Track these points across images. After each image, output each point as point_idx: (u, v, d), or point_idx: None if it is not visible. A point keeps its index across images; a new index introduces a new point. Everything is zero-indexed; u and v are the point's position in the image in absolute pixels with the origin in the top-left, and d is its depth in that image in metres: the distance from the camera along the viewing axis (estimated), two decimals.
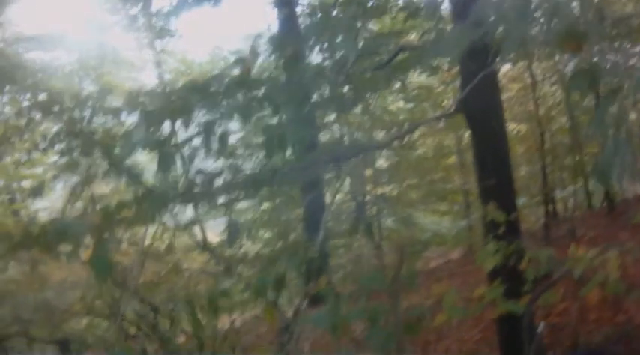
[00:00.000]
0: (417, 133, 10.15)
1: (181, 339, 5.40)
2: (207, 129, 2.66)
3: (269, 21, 18.65)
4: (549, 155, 9.96)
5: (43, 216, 7.83)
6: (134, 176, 3.73)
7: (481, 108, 4.73)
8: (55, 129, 5.66)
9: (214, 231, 6.49)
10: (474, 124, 4.97)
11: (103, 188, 6.64)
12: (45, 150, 6.36)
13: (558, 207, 10.63)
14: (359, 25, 4.38)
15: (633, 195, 10.08)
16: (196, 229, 5.99)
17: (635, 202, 9.68)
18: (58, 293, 6.71)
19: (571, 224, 8.56)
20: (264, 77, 3.61)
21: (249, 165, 3.09)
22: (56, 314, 6.56)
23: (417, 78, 9.73)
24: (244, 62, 2.83)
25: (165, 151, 2.71)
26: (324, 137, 7.40)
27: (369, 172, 7.86)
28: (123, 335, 5.90)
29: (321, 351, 4.51)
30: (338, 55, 3.29)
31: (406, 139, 8.52)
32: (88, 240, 2.35)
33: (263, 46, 3.28)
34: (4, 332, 6.39)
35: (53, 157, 6.95)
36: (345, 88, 3.36)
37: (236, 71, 2.87)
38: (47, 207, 8.34)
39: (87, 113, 4.73)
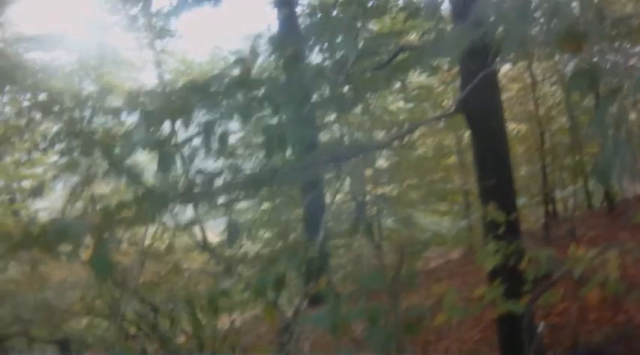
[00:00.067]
0: (417, 133, 10.15)
1: (181, 339, 5.40)
2: (207, 129, 2.66)
3: (269, 21, 18.67)
4: (549, 155, 9.96)
5: (43, 216, 7.83)
6: (134, 176, 3.73)
7: (481, 108, 4.73)
8: (55, 129, 5.66)
9: (214, 231, 6.49)
10: (474, 124, 4.97)
11: (103, 188, 6.64)
12: (45, 150, 6.36)
13: (558, 207, 10.63)
14: (359, 25, 4.38)
15: (633, 195, 10.08)
16: (196, 229, 5.99)
17: (635, 202, 9.68)
18: (58, 293, 6.71)
19: (571, 224, 8.55)
20: (264, 77, 3.61)
21: (249, 165, 3.09)
22: (56, 314, 6.56)
23: (417, 78, 9.73)
24: (244, 62, 2.83)
25: (165, 151, 2.71)
26: (324, 137, 7.40)
27: (369, 172, 7.86)
28: (123, 335, 5.90)
29: (321, 351, 4.51)
30: (338, 55, 3.29)
31: (406, 139, 8.52)
32: (88, 240, 2.35)
33: (263, 46, 3.28)
34: (4, 332, 6.39)
35: (53, 157, 6.95)
36: (345, 88, 3.36)
37: (236, 71, 2.87)
38: (47, 207, 8.34)
39: (87, 113, 4.73)
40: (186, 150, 2.82)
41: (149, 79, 11.50)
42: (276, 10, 9.36)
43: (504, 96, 7.80)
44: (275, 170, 2.76)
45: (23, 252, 3.76)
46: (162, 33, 10.88)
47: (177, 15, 8.97)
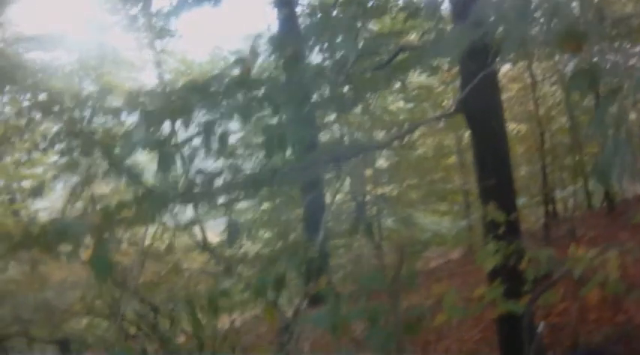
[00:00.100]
0: (417, 133, 10.15)
1: (181, 339, 5.40)
2: (207, 129, 2.66)
3: (269, 21, 18.67)
4: (549, 155, 9.96)
5: (43, 216, 7.83)
6: (134, 176, 3.73)
7: (481, 108, 4.73)
8: (55, 129, 5.66)
9: (214, 231, 6.49)
10: (474, 124, 4.97)
11: (103, 188, 6.64)
12: (45, 150, 6.36)
13: (558, 207, 10.63)
14: (359, 25, 4.38)
15: (633, 195, 10.08)
16: (196, 229, 5.99)
17: (635, 202, 9.68)
18: (58, 293, 6.71)
19: (571, 224, 8.55)
20: (264, 77, 3.61)
21: (249, 165, 3.09)
22: (56, 314, 6.56)
23: (417, 78, 9.73)
24: (244, 62, 2.83)
25: (165, 151, 2.71)
26: (324, 137, 7.40)
27: (369, 172, 7.86)
28: (123, 335, 5.90)
29: (321, 351, 4.51)
30: (338, 55, 3.29)
31: (406, 139, 8.52)
32: (88, 240, 2.35)
33: (263, 46, 3.28)
34: (4, 332, 6.39)
35: (53, 157, 6.95)
36: (345, 88, 3.36)
37: (236, 71, 2.87)
38: (47, 207, 8.34)
39: (87, 113, 4.73)
40: (186, 150, 2.81)
41: (149, 79, 11.52)
42: (276, 10, 9.36)
43: (504, 96, 7.80)
44: (275, 170, 2.76)
45: (23, 252, 3.76)
46: (162, 33, 10.88)
47: (177, 15, 8.97)
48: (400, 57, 4.75)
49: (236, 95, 2.78)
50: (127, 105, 3.59)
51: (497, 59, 4.11)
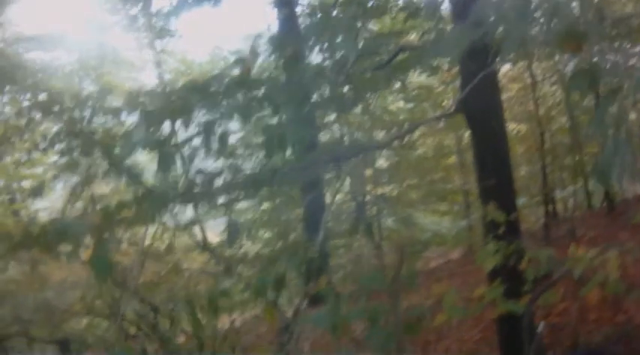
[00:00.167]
0: (417, 133, 10.15)
1: (181, 339, 5.40)
2: (207, 129, 2.66)
3: (269, 21, 18.67)
4: (549, 155, 9.96)
5: (43, 216, 7.83)
6: (134, 176, 3.73)
7: (481, 108, 4.73)
8: (55, 129, 5.66)
9: (214, 231, 6.48)
10: (474, 124, 4.97)
11: (103, 188, 6.64)
12: (45, 150, 6.36)
13: (558, 207, 10.63)
14: (359, 25, 4.38)
15: (633, 195, 10.08)
16: (196, 229, 5.99)
17: (635, 202, 9.68)
18: (58, 293, 6.71)
19: (571, 224, 8.55)
20: (264, 77, 3.61)
21: (249, 165, 3.09)
22: (56, 314, 6.56)
23: (417, 78, 9.73)
24: (244, 62, 2.83)
25: (165, 151, 2.71)
26: (324, 137, 7.40)
27: (369, 172, 7.86)
28: (123, 335, 5.90)
29: (321, 351, 4.51)
30: (338, 55, 3.29)
31: (406, 139, 8.53)
32: (88, 240, 2.35)
33: (263, 46, 3.28)
34: (4, 332, 6.39)
35: (53, 157, 6.95)
36: (345, 88, 3.36)
37: (236, 71, 2.87)
38: (47, 207, 8.34)
39: (87, 113, 4.73)
40: (186, 150, 2.81)
41: (149, 79, 11.52)
42: (276, 10, 9.36)
43: (504, 96, 7.80)
44: (275, 170, 2.76)
45: (23, 252, 3.75)
46: (162, 33, 10.88)
47: (177, 15, 8.97)
48: (400, 57, 4.75)
49: (236, 95, 2.77)
50: (127, 105, 3.59)
51: (497, 59, 4.11)
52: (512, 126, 9.88)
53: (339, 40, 3.21)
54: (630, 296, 4.44)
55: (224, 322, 4.99)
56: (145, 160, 4.54)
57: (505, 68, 9.55)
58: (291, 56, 3.24)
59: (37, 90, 7.95)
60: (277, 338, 4.23)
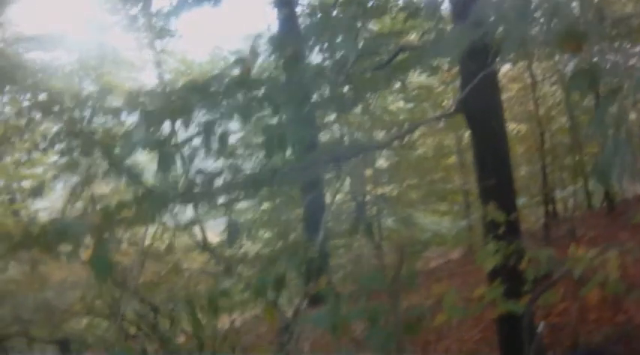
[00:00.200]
0: (417, 133, 10.15)
1: (181, 339, 5.40)
2: (207, 129, 2.66)
3: (269, 21, 18.67)
4: (549, 155, 9.96)
5: (43, 216, 7.83)
6: (134, 176, 3.73)
7: (481, 108, 4.73)
8: (55, 129, 5.66)
9: (214, 231, 6.49)
10: (474, 124, 4.97)
11: (103, 188, 6.64)
12: (45, 150, 6.36)
13: (558, 207, 10.63)
14: (359, 25, 4.38)
15: (633, 195, 10.08)
16: (196, 229, 5.99)
17: (635, 202, 9.68)
18: (58, 293, 6.71)
19: (571, 224, 8.55)
20: (264, 77, 3.61)
21: (249, 165, 3.09)
22: (56, 314, 6.56)
23: (417, 78, 9.73)
24: (244, 62, 2.83)
25: (165, 151, 2.71)
26: (324, 137, 7.40)
27: (369, 172, 7.86)
28: (123, 335, 5.90)
29: (321, 351, 4.51)
30: (338, 55, 3.29)
31: (406, 139, 8.53)
32: (88, 240, 2.35)
33: (263, 46, 3.28)
34: (4, 332, 6.39)
35: (53, 157, 6.95)
36: (345, 88, 3.36)
37: (236, 71, 2.87)
38: (47, 207, 8.34)
39: (87, 113, 4.73)
40: (186, 150, 2.81)
41: (149, 79, 11.52)
42: (276, 10, 9.36)
43: (504, 96, 7.80)
44: (275, 170, 2.76)
45: (23, 252, 3.75)
46: (162, 33, 10.88)
47: (177, 15, 8.97)
48: (400, 57, 4.75)
49: (236, 95, 2.77)
50: (127, 105, 3.59)
51: (497, 59, 4.11)
52: (512, 126, 9.88)
53: (339, 40, 3.22)
54: (630, 296, 4.44)
55: (224, 322, 4.99)
56: (145, 160, 4.54)
57: (505, 68, 9.56)
58: (291, 56, 3.24)
59: (37, 91, 7.95)
60: (277, 338, 4.23)
